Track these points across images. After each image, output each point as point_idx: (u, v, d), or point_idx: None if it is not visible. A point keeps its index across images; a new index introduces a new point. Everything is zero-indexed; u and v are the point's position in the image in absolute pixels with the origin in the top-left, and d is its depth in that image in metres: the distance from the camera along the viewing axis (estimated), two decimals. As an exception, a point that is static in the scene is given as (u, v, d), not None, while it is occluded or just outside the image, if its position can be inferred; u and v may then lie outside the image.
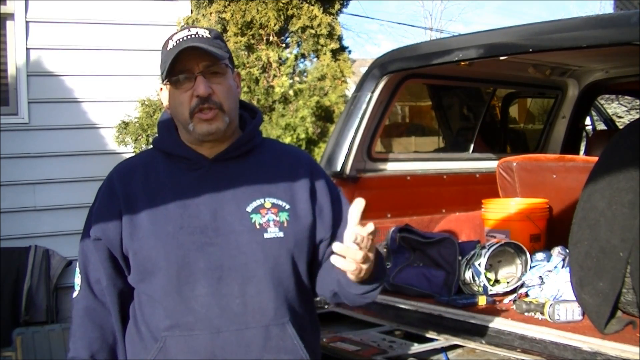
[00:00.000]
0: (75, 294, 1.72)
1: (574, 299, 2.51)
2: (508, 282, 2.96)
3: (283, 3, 5.25)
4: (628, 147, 2.44)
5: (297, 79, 5.52)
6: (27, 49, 4.99)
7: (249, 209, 1.61)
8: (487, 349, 2.45)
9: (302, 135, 5.12)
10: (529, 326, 2.47)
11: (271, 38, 5.39)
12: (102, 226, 1.64)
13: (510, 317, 2.60)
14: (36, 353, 4.34)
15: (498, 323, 2.53)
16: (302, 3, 5.36)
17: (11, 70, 5.01)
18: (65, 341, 4.30)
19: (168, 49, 1.62)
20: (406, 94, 4.48)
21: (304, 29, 5.34)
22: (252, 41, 5.34)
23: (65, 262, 4.93)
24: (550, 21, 2.75)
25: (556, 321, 2.50)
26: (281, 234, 1.60)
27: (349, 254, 1.43)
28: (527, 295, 2.85)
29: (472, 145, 4.29)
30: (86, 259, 1.69)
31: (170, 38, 1.65)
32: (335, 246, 1.43)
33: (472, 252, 2.96)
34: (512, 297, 2.84)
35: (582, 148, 5.03)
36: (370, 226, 1.42)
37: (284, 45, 5.50)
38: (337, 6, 5.62)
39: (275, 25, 5.24)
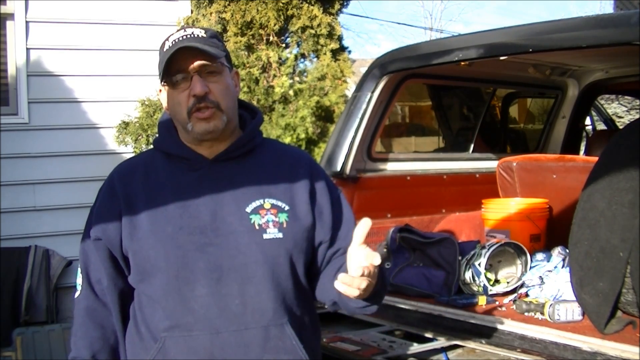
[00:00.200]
0: (76, 294, 1.72)
1: (574, 299, 2.51)
2: (508, 282, 2.96)
3: (283, 3, 5.25)
4: (628, 147, 2.44)
5: (297, 79, 5.52)
6: (27, 49, 4.99)
7: (249, 209, 1.61)
8: (487, 349, 2.45)
9: (302, 135, 5.12)
10: (529, 326, 2.47)
11: (271, 38, 5.39)
12: (103, 226, 1.64)
13: (510, 317, 2.60)
14: (36, 353, 4.33)
15: (498, 323, 2.54)
16: (302, 3, 5.35)
17: (11, 70, 5.01)
18: (65, 341, 4.30)
19: (164, 50, 1.63)
20: (406, 94, 4.47)
21: (304, 29, 5.34)
22: (252, 41, 5.34)
23: (65, 262, 4.94)
24: (550, 21, 2.76)
25: (556, 321, 2.50)
26: (280, 235, 1.60)
27: (354, 284, 1.44)
28: (527, 295, 2.85)
29: (472, 145, 4.29)
30: (87, 259, 1.69)
31: (167, 39, 1.65)
32: (341, 277, 1.44)
33: (472, 252, 2.96)
34: (512, 297, 2.85)
35: (582, 148, 5.03)
36: (377, 258, 1.42)
37: (284, 45, 5.50)
38: (337, 6, 5.62)
39: (275, 25, 5.24)
